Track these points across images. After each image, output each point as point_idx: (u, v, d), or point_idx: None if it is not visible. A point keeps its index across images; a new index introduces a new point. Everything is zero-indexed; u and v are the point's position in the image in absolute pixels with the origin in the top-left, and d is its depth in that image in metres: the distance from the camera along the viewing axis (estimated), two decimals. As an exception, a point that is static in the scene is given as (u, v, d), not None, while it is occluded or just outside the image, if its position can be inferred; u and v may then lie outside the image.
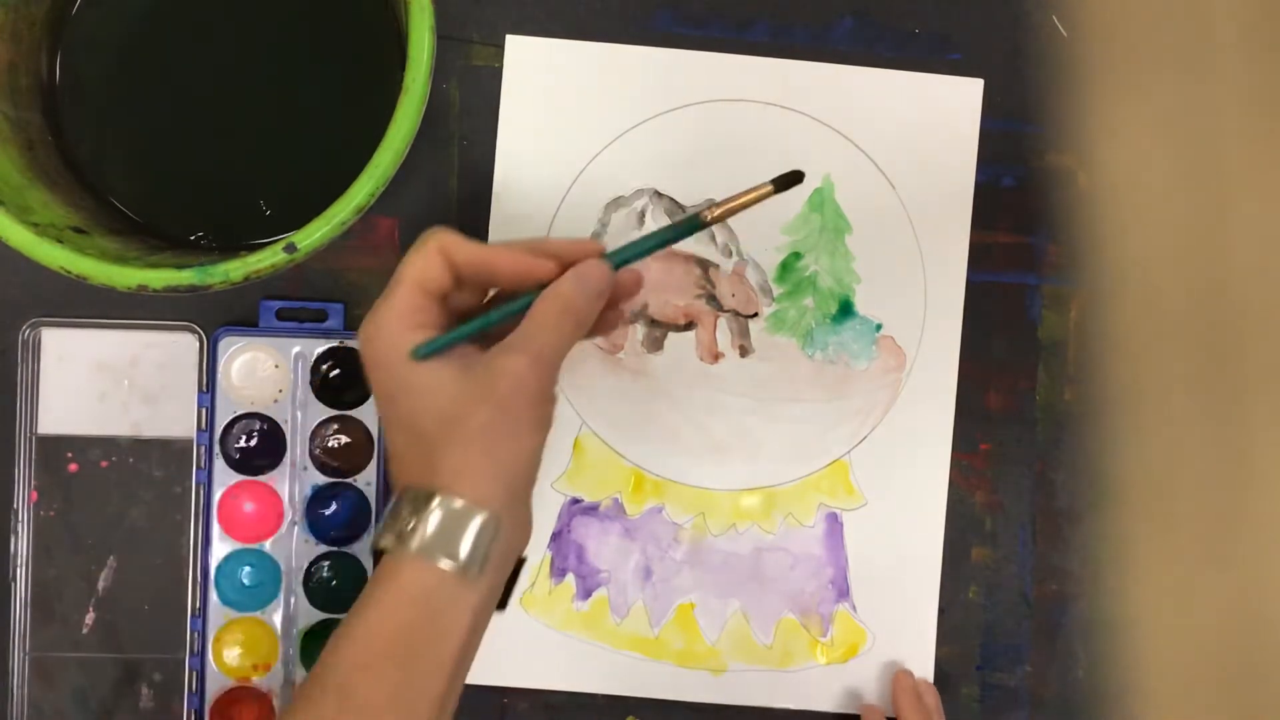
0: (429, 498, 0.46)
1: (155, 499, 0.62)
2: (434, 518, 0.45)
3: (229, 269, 0.51)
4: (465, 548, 0.45)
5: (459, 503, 0.45)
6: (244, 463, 0.62)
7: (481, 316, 0.49)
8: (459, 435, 0.46)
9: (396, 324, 0.48)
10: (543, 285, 0.49)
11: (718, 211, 0.51)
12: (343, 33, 0.59)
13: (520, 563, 0.50)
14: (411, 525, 0.46)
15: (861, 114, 0.63)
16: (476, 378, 0.47)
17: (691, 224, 0.51)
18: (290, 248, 0.51)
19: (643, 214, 0.63)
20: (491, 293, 0.52)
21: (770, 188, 0.51)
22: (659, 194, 0.63)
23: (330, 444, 0.62)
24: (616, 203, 0.63)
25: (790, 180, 0.52)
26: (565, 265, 0.49)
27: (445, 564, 0.45)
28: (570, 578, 0.63)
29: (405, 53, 0.52)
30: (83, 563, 0.62)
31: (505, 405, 0.46)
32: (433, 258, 0.48)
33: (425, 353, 0.47)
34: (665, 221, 0.62)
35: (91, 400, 0.62)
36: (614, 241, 0.61)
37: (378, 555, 0.48)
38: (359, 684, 0.44)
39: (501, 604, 0.49)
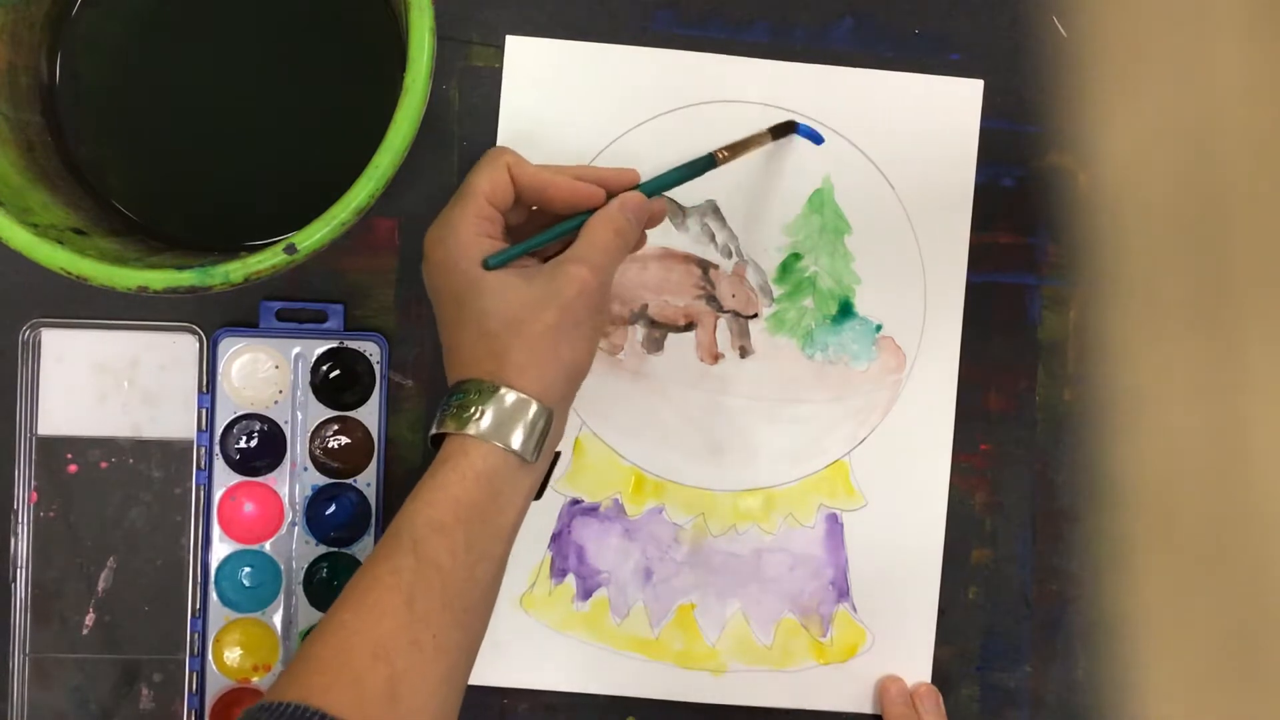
0: (494, 389, 0.51)
1: (155, 500, 0.62)
2: (500, 407, 0.51)
3: (229, 270, 0.51)
4: (526, 435, 0.51)
5: (522, 395, 0.51)
6: (244, 463, 0.62)
7: (542, 233, 0.55)
8: (525, 335, 0.52)
9: (468, 228, 0.53)
10: (590, 209, 0.55)
11: (727, 153, 0.59)
12: (343, 33, 0.59)
13: (556, 457, 0.56)
14: (478, 413, 0.51)
15: (861, 115, 0.63)
16: (542, 285, 0.52)
17: (708, 162, 0.58)
18: (290, 249, 0.51)
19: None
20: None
21: (769, 136, 0.61)
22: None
23: (330, 444, 0.62)
24: (616, 203, 0.63)
25: (784, 129, 0.61)
26: (610, 193, 0.56)
27: (509, 447, 0.51)
28: (570, 578, 0.63)
29: (405, 53, 0.52)
30: (82, 563, 0.62)
31: (569, 309, 0.52)
32: (502, 173, 0.55)
33: (497, 262, 0.53)
34: (665, 222, 0.62)
35: (91, 401, 0.62)
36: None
37: (437, 440, 0.53)
38: (433, 543, 0.50)
39: (538, 494, 0.55)
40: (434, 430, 0.53)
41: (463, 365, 0.53)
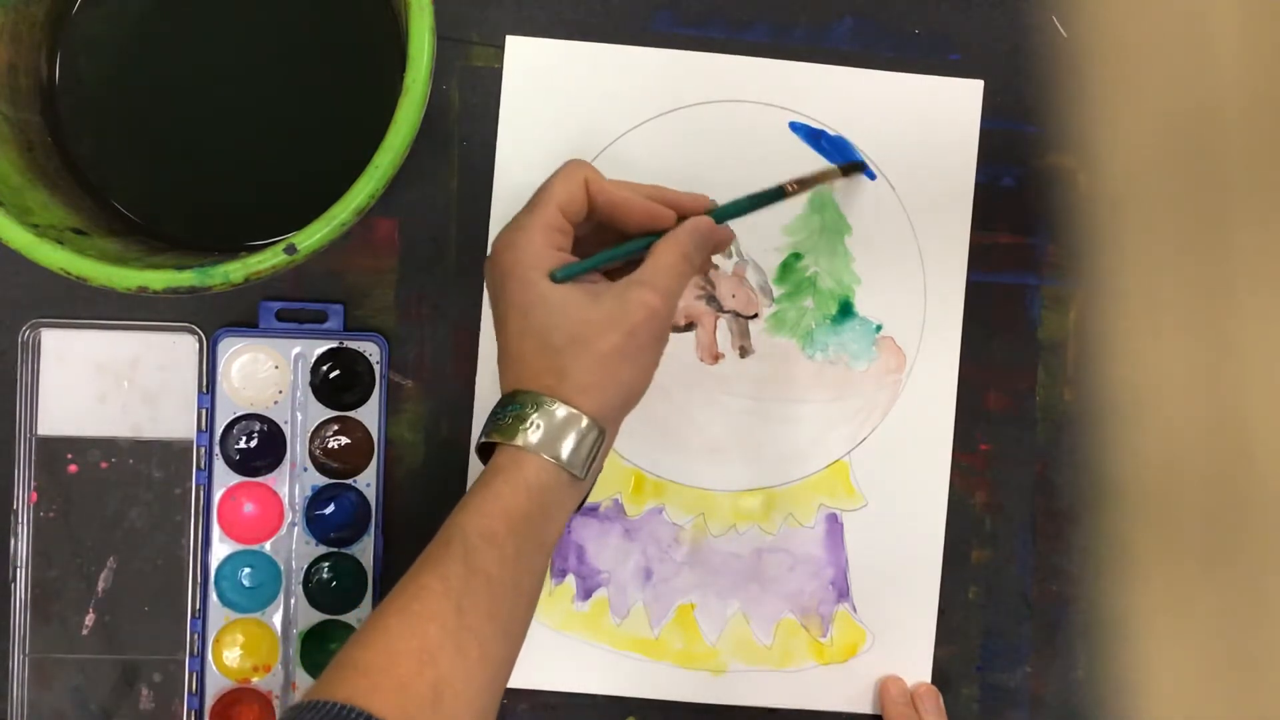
0: (552, 404, 0.51)
1: (155, 500, 0.62)
2: (557, 423, 0.51)
3: (229, 270, 0.51)
4: (580, 453, 0.51)
5: (579, 413, 0.51)
6: (244, 464, 0.62)
7: (611, 250, 0.55)
8: (589, 355, 0.51)
9: (539, 238, 0.53)
10: (660, 231, 0.55)
11: (797, 186, 0.59)
12: (343, 33, 0.59)
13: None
14: (534, 426, 0.51)
15: (861, 115, 0.63)
16: (609, 305, 0.52)
17: (778, 193, 0.58)
18: (290, 249, 0.51)
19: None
20: None
21: (838, 172, 0.61)
22: (659, 194, 0.63)
23: (330, 445, 0.62)
24: (616, 203, 0.63)
25: (853, 169, 0.62)
26: (681, 216, 0.55)
27: (562, 463, 0.51)
28: (570, 578, 0.63)
29: (405, 53, 0.52)
30: (82, 564, 0.62)
31: (635, 335, 0.52)
32: (579, 187, 0.54)
33: (565, 275, 0.53)
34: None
35: (91, 401, 0.62)
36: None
37: (486, 448, 0.53)
38: (483, 552, 0.50)
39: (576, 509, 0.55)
40: (485, 439, 0.53)
41: (521, 375, 0.53)
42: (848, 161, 0.62)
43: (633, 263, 0.55)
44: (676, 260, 0.54)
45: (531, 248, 0.53)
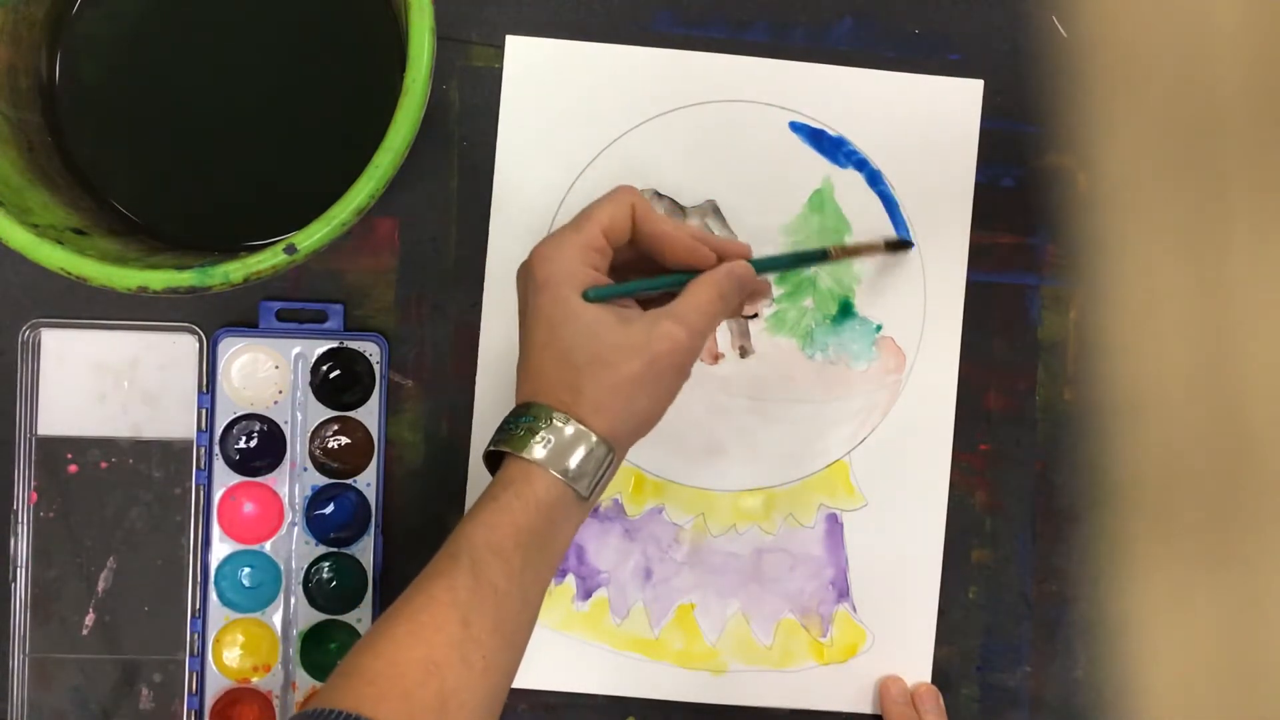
0: (565, 421, 0.52)
1: (155, 500, 0.62)
2: (568, 440, 0.51)
3: (229, 270, 0.51)
4: (589, 473, 0.52)
5: (591, 433, 0.52)
6: (244, 464, 0.62)
7: (646, 280, 0.55)
8: (608, 377, 0.52)
9: (577, 255, 0.53)
10: (698, 270, 0.55)
11: (840, 251, 0.60)
12: (343, 33, 0.59)
13: None
14: (545, 440, 0.51)
15: (861, 115, 0.63)
16: (637, 332, 0.52)
17: (822, 255, 0.60)
18: (290, 249, 0.51)
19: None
20: None
21: (882, 247, 0.62)
22: (659, 194, 0.63)
23: (330, 445, 0.62)
24: (616, 203, 0.63)
25: (898, 246, 0.62)
26: (721, 258, 0.56)
27: (571, 481, 0.51)
28: (570, 578, 0.63)
29: (405, 53, 0.52)
30: (82, 564, 0.62)
31: (656, 365, 0.52)
32: (625, 212, 0.54)
33: (598, 296, 0.53)
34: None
35: (91, 401, 0.62)
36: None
37: (495, 456, 0.53)
38: (491, 565, 0.50)
39: None
40: (494, 447, 0.53)
41: (537, 388, 0.53)
42: (897, 237, 0.63)
43: (666, 296, 0.55)
44: (712, 299, 0.54)
45: (568, 263, 0.53)
